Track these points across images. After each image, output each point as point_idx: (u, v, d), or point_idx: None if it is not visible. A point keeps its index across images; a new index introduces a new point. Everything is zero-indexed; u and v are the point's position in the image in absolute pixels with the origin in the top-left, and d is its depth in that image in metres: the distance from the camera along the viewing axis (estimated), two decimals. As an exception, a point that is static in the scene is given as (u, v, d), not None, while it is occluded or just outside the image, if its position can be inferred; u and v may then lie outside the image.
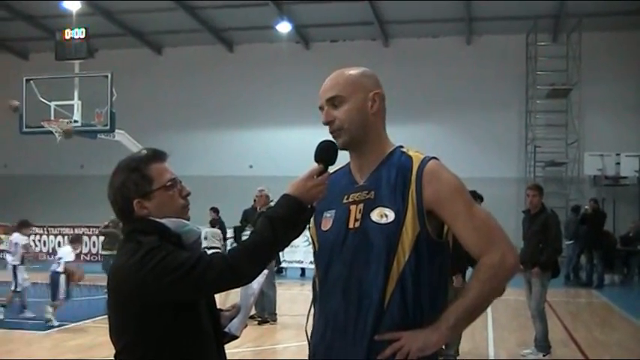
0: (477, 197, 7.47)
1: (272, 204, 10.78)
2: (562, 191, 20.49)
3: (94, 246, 18.54)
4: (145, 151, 2.36)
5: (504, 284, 2.31)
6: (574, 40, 20.21)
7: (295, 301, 13.07)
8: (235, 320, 2.50)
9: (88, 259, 18.19)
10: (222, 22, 21.99)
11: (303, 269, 17.27)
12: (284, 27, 21.28)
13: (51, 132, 15.07)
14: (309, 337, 2.43)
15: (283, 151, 21.79)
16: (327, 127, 2.38)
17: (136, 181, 2.26)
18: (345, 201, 2.37)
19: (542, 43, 20.81)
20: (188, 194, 2.37)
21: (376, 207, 2.29)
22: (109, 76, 14.98)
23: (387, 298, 2.22)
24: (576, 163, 20.48)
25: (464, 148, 20.50)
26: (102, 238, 14.99)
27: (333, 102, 2.36)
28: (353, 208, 2.34)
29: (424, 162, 2.30)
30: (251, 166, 22.33)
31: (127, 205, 2.27)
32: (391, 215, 2.25)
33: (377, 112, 2.37)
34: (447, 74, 21.16)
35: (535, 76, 20.72)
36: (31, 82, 15.49)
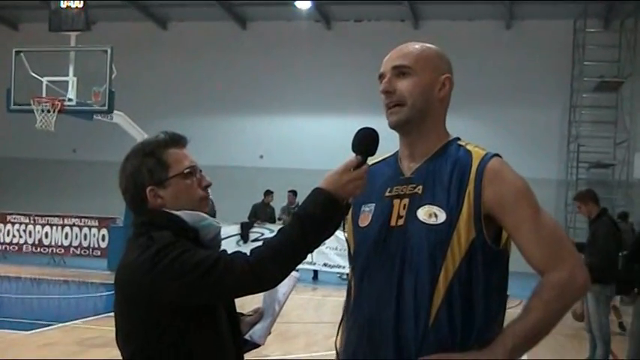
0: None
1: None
2: (608, 196, 20.29)
3: (85, 238, 18.51)
4: (162, 135, 2.33)
5: (572, 305, 2.23)
6: (628, 28, 20.01)
7: (306, 307, 12.99)
8: (258, 326, 2.46)
9: (78, 252, 18.17)
10: (235, -4, 22.01)
11: (315, 272, 17.23)
12: (304, 4, 21.26)
13: (42, 111, 14.99)
14: (338, 351, 2.37)
15: (298, 142, 21.80)
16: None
17: (151, 167, 2.25)
18: (387, 194, 2.29)
19: (592, 30, 20.63)
20: (208, 185, 2.36)
21: (424, 204, 2.20)
22: (109, 50, 14.95)
23: (434, 311, 2.13)
24: (625, 165, 20.33)
25: (498, 144, 20.01)
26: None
27: (400, 71, 2.29)
28: (397, 202, 2.25)
29: (486, 159, 2.21)
30: (262, 157, 22.36)
31: (139, 194, 2.25)
32: (442, 216, 2.16)
33: (443, 98, 2.31)
34: (482, 62, 21.02)
35: (582, 67, 20.56)
36: (22, 54, 15.48)
